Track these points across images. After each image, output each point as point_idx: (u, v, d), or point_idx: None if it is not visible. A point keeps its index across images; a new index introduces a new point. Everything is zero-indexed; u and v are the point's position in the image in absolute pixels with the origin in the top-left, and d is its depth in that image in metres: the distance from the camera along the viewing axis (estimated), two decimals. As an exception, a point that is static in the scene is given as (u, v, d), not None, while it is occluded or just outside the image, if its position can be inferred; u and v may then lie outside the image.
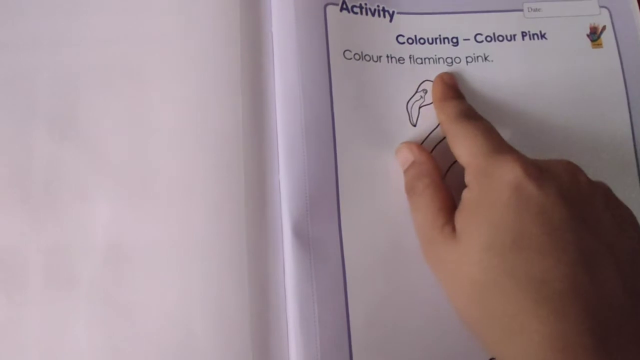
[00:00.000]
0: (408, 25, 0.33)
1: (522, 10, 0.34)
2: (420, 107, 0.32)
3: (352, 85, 0.32)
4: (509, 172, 0.25)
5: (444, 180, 0.29)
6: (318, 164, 0.30)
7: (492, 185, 0.25)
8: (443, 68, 0.33)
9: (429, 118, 0.32)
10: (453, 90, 0.32)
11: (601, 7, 0.34)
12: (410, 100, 0.32)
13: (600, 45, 0.34)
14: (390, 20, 0.33)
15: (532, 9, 0.34)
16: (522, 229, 0.24)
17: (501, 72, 0.33)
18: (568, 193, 0.25)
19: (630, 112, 0.33)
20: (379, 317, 0.29)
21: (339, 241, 0.30)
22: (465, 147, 0.28)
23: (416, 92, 0.32)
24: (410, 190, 0.30)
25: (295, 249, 0.29)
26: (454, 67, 0.33)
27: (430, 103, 0.32)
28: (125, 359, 0.28)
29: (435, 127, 0.32)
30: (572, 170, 0.26)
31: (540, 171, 0.25)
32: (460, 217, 0.26)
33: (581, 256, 0.23)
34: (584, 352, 0.22)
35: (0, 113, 0.31)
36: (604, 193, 0.26)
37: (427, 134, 0.32)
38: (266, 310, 0.29)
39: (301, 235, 0.30)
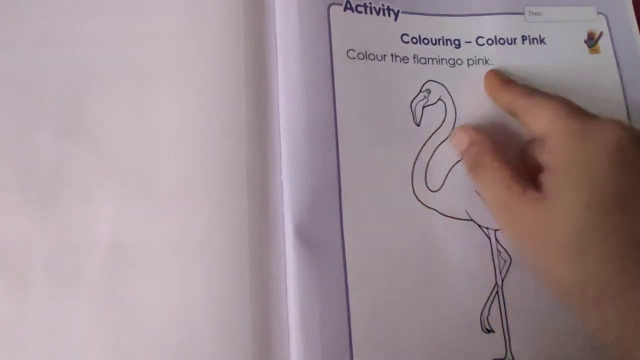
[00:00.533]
0: (413, 24, 0.34)
1: (523, 13, 0.34)
2: (423, 107, 0.32)
3: (355, 85, 0.32)
4: (611, 133, 0.26)
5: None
6: (320, 163, 0.30)
7: (591, 146, 0.26)
8: (445, 69, 0.33)
9: (433, 118, 0.32)
10: (507, 77, 0.32)
11: (599, 13, 0.35)
12: (414, 100, 0.32)
13: (597, 51, 0.35)
14: (395, 19, 0.34)
15: (532, 13, 0.35)
16: (624, 189, 0.24)
17: None
18: None
19: (629, 119, 0.33)
20: (380, 315, 0.29)
21: (340, 240, 0.30)
22: (547, 114, 0.28)
23: (420, 91, 0.32)
24: (476, 166, 0.30)
25: (297, 247, 0.29)
26: (456, 69, 0.33)
27: (434, 103, 0.32)
28: (128, 357, 0.28)
29: (438, 127, 0.32)
30: None
31: (638, 135, 0.26)
32: (550, 179, 0.26)
33: None
34: None
35: (7, 112, 0.31)
36: None
37: (430, 134, 0.32)
38: (268, 308, 0.29)
39: (303, 234, 0.29)
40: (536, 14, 0.35)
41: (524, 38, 0.34)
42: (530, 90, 0.30)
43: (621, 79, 0.34)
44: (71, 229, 0.29)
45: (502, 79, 0.32)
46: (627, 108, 0.33)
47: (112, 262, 0.29)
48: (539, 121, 0.28)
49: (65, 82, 0.31)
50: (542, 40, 0.34)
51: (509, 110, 0.31)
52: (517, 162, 0.29)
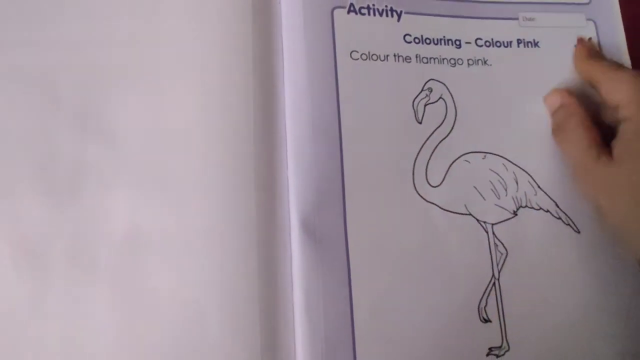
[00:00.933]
0: (415, 24, 0.35)
1: (517, 19, 0.36)
2: (425, 105, 0.33)
3: (358, 85, 0.33)
4: None
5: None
6: (325, 161, 0.31)
7: None
8: (447, 69, 0.34)
9: (434, 116, 0.33)
10: (595, 50, 0.36)
11: (588, 19, 0.37)
12: (416, 99, 0.33)
13: (587, 55, 0.36)
14: (398, 20, 0.35)
15: (526, 18, 0.36)
16: None
17: (499, 76, 0.35)
18: None
19: None
20: (382, 309, 0.30)
21: (343, 234, 0.30)
22: (629, 88, 0.31)
23: (422, 90, 0.33)
24: (561, 127, 0.33)
25: (302, 241, 0.30)
26: (457, 69, 0.34)
27: (435, 101, 0.33)
28: (140, 339, 0.28)
29: (439, 124, 0.33)
30: None
31: None
32: (621, 145, 0.30)
33: None
34: None
35: (28, 109, 0.31)
36: None
37: (431, 131, 0.33)
38: (274, 298, 0.30)
39: (308, 228, 0.30)
40: (530, 19, 0.36)
41: (519, 41, 0.36)
42: (614, 63, 0.33)
43: None
44: (88, 219, 0.30)
45: (589, 53, 0.35)
46: None
47: (127, 249, 0.30)
48: (622, 93, 0.31)
49: (84, 80, 0.32)
50: (536, 44, 0.36)
51: (590, 80, 0.34)
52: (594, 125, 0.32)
